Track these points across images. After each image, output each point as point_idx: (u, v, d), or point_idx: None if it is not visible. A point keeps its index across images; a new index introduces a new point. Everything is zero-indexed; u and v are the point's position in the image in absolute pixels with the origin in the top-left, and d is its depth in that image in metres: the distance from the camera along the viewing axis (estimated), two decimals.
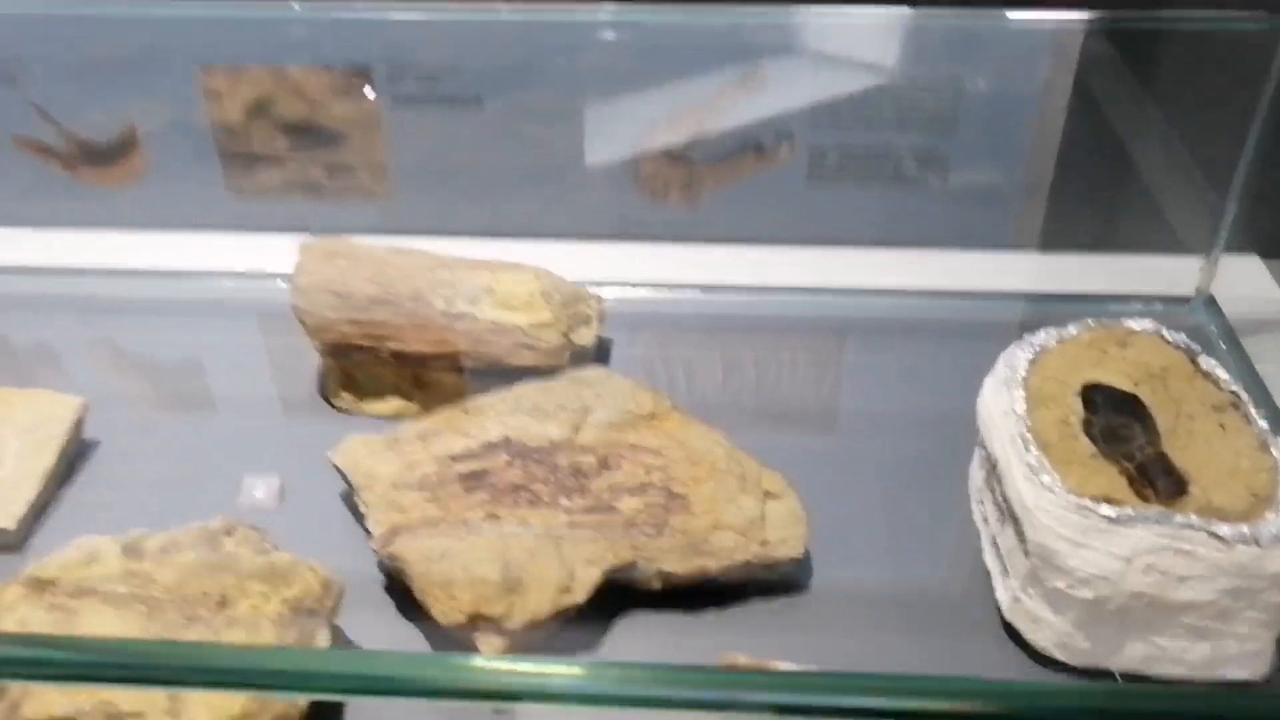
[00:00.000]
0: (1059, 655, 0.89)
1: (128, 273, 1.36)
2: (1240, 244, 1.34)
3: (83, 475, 1.07)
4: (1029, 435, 0.90)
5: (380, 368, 1.12)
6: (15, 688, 0.81)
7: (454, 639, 0.91)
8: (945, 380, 1.18)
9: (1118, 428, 0.91)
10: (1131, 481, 0.87)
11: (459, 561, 0.90)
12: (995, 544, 0.95)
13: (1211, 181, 1.33)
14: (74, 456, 1.08)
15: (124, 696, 0.80)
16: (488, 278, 1.13)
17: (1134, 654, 0.87)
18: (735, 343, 1.26)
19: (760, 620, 0.94)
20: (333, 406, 1.14)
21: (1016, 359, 0.98)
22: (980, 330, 1.27)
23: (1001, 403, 0.95)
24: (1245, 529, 0.82)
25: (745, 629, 0.93)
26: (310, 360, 1.17)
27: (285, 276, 1.20)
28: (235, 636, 0.84)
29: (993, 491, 0.96)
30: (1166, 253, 1.38)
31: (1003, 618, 0.93)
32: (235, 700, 0.80)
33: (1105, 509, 0.84)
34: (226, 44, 1.35)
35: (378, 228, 1.38)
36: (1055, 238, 1.44)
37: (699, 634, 0.93)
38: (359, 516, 0.99)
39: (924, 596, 0.96)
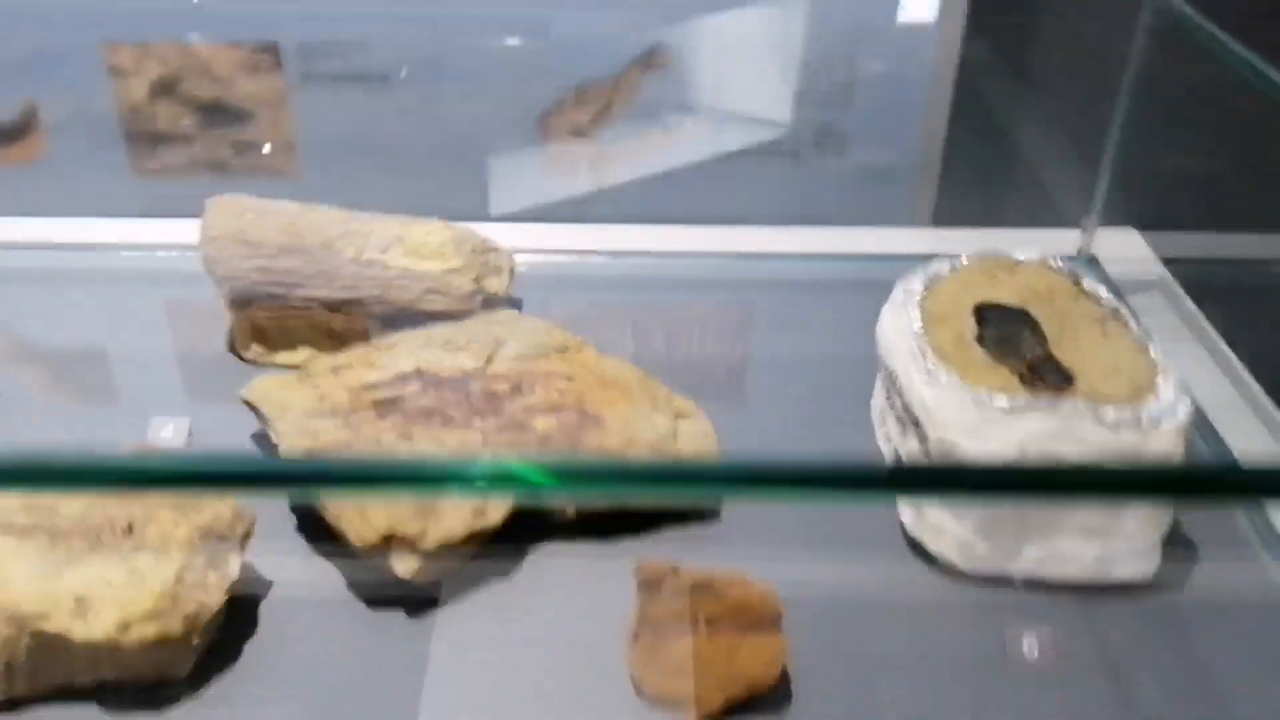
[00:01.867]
0: (960, 564, 0.92)
1: (27, 246, 1.33)
2: (1118, 219, 1.42)
3: None
4: (926, 347, 0.94)
5: (290, 318, 1.12)
6: None
7: (367, 568, 0.91)
8: (845, 329, 1.22)
9: (1009, 336, 0.95)
10: (1023, 379, 0.91)
11: None
12: (897, 458, 0.98)
13: (1085, 159, 1.41)
14: None
15: (27, 597, 0.78)
16: (398, 229, 1.15)
17: (1031, 557, 0.90)
18: (644, 303, 1.28)
19: (673, 547, 0.94)
20: (243, 360, 1.13)
21: (912, 285, 1.02)
22: (878, 287, 1.31)
23: (899, 323, 0.99)
24: (1128, 411, 0.87)
25: (659, 555, 0.94)
26: (219, 322, 1.17)
27: (192, 248, 1.20)
28: (143, 561, 0.82)
29: (894, 408, 0.99)
30: (1049, 226, 1.45)
31: (907, 536, 0.95)
32: (145, 599, 0.79)
33: (1000, 400, 0.88)
34: (133, 23, 1.35)
35: None
36: (945, 215, 1.51)
37: (614, 561, 0.94)
38: (271, 454, 0.98)
39: (832, 521, 0.99)
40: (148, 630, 0.78)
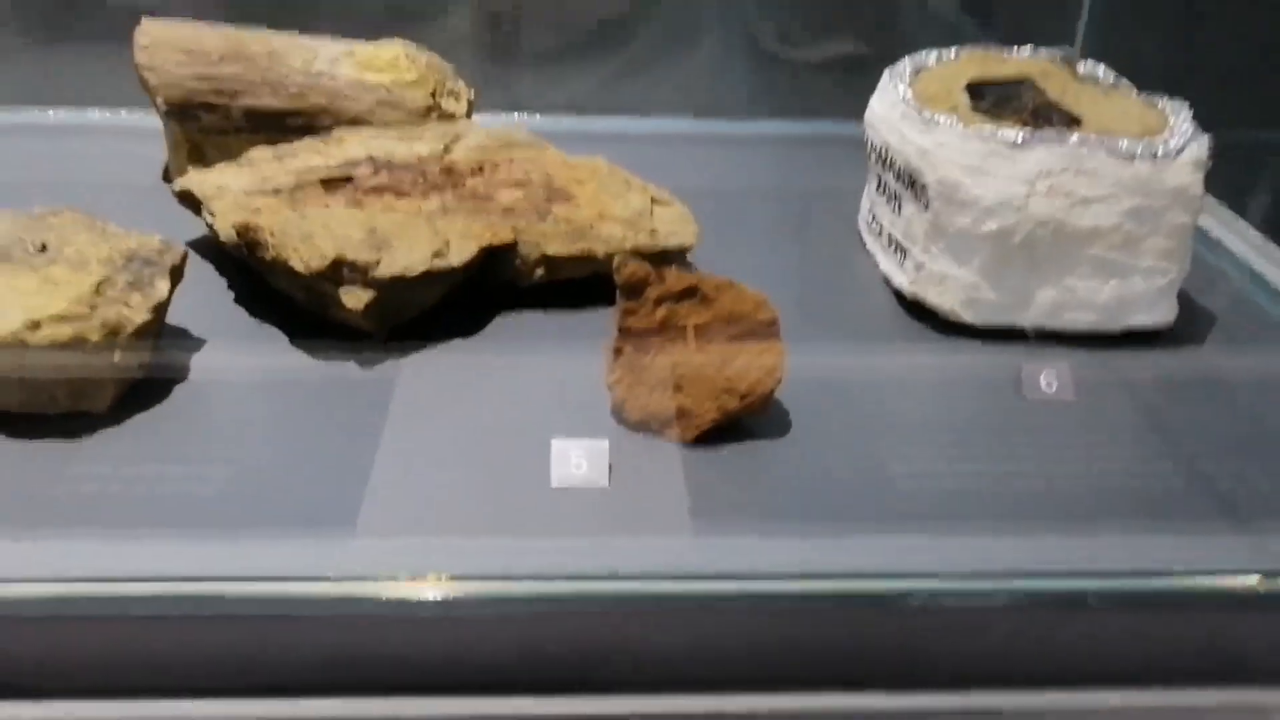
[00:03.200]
0: (967, 316, 0.84)
1: None
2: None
3: None
4: (920, 105, 0.88)
5: (232, 138, 1.03)
6: None
7: (312, 327, 0.82)
8: (830, 177, 1.15)
9: (1006, 98, 0.89)
10: (1026, 124, 0.85)
11: (319, 223, 0.81)
12: (891, 243, 0.91)
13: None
14: None
15: None
16: (348, 45, 1.07)
17: (1043, 302, 0.83)
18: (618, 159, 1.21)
19: None
20: None
21: (899, 69, 0.96)
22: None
23: (889, 99, 0.93)
24: (1142, 144, 0.81)
25: None
26: (155, 163, 1.08)
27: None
28: (58, 272, 0.73)
29: (884, 190, 0.93)
30: None
31: (906, 302, 0.88)
32: (58, 303, 0.69)
33: (1005, 133, 0.82)
34: None
35: None
36: None
37: (584, 329, 0.85)
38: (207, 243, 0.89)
39: (824, 302, 0.92)
40: (60, 331, 0.68)
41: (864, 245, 0.98)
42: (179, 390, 0.76)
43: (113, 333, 0.70)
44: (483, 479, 0.70)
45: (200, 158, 1.04)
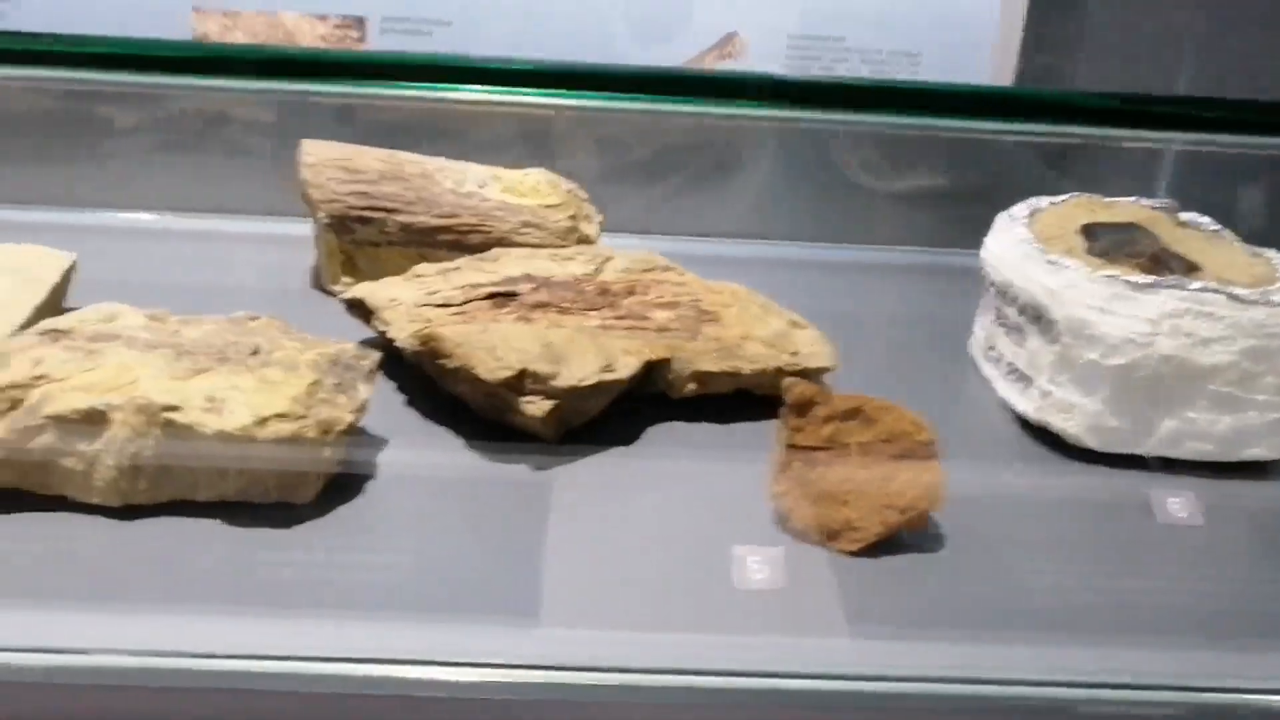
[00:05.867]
0: (1091, 442, 0.90)
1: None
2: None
3: None
4: (1042, 246, 0.95)
5: (384, 250, 1.11)
6: (35, 391, 0.75)
7: (484, 430, 0.88)
8: (932, 303, 1.22)
9: (1121, 243, 0.96)
10: (1145, 270, 0.92)
11: (499, 336, 0.88)
12: (1013, 370, 0.98)
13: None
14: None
15: (157, 390, 0.75)
16: (494, 170, 1.16)
17: (1164, 432, 0.89)
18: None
19: None
20: (330, 294, 1.11)
21: (1015, 212, 1.04)
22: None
23: (1007, 238, 1.00)
24: (1258, 291, 0.88)
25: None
26: (303, 270, 1.16)
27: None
28: (273, 374, 0.79)
29: (1004, 321, 0.99)
30: None
31: (1030, 427, 0.94)
32: (279, 402, 0.76)
33: (1129, 276, 0.89)
34: None
35: None
36: None
37: (731, 440, 0.92)
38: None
39: (948, 429, 0.96)
40: (283, 428, 0.75)
41: (976, 369, 1.05)
42: (370, 485, 0.82)
43: (325, 431, 0.76)
44: (659, 577, 0.75)
45: (352, 267, 1.12)
